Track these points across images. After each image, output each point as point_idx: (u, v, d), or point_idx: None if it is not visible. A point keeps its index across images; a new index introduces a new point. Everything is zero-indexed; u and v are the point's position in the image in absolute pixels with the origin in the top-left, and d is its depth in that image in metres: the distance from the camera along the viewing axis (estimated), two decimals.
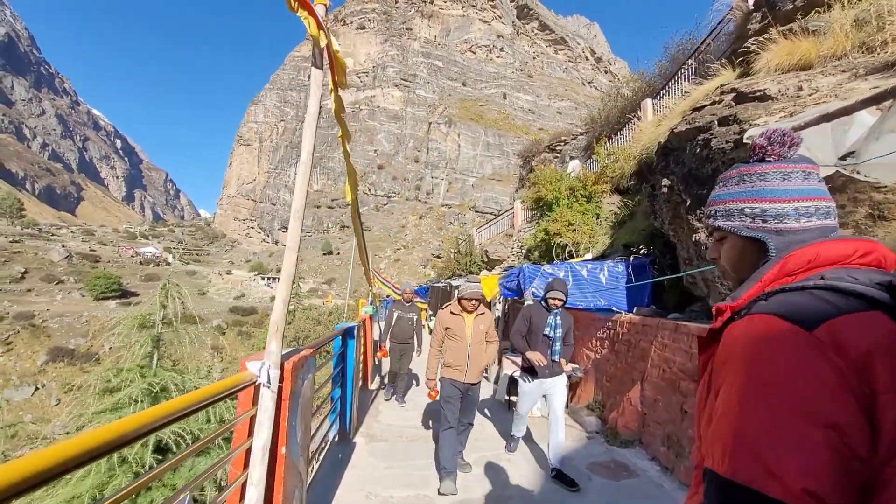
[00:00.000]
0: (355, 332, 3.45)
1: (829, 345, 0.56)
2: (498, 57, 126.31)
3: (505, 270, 8.57)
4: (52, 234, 65.82)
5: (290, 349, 1.76)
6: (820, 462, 0.52)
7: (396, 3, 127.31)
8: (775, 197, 0.79)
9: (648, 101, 7.83)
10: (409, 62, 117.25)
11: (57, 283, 48.24)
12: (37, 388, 34.69)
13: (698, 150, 3.25)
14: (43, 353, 36.82)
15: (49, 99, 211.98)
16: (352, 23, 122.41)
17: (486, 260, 14.67)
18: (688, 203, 3.20)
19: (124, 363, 3.90)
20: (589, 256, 5.53)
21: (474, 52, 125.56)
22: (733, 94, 3.26)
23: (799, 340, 0.58)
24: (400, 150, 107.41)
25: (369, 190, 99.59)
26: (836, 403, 0.54)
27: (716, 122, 3.14)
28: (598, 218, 7.29)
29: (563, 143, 14.30)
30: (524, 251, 9.60)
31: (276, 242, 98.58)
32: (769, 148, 0.82)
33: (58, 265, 51.94)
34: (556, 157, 14.10)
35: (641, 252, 4.51)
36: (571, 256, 6.53)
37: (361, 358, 5.12)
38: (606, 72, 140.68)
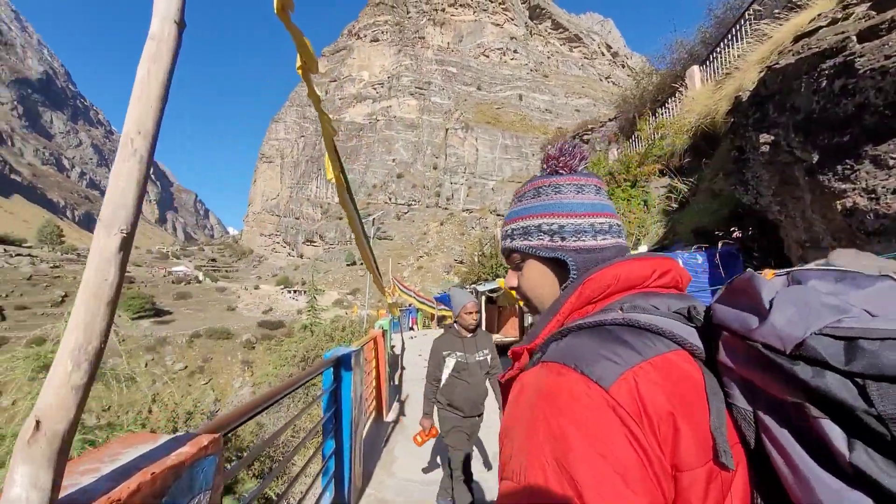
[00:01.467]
0: (352, 360, 2.42)
1: (627, 408, 0.47)
2: (512, 59, 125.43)
3: None
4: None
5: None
6: None
7: (408, 13, 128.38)
8: (572, 211, 0.71)
9: (695, 68, 6.82)
10: (424, 70, 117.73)
11: None
12: None
13: (824, 84, 2.28)
14: None
15: (85, 130, 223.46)
16: (365, 36, 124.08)
17: None
18: (814, 159, 2.25)
19: (5, 428, 2.97)
20: (643, 249, 4.55)
21: (488, 56, 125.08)
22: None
23: (593, 404, 0.48)
24: (418, 158, 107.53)
25: (389, 199, 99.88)
26: (633, 493, 0.44)
27: (854, 37, 2.16)
28: (645, 204, 6.27)
29: (589, 132, 13.26)
30: None
31: (301, 256, 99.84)
32: (561, 159, 0.75)
33: None
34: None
35: (725, 236, 3.50)
36: None
37: (371, 387, 4.30)
38: (623, 66, 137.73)
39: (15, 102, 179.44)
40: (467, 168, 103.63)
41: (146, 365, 41.90)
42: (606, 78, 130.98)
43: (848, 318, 0.42)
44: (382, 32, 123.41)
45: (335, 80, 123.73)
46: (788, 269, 0.52)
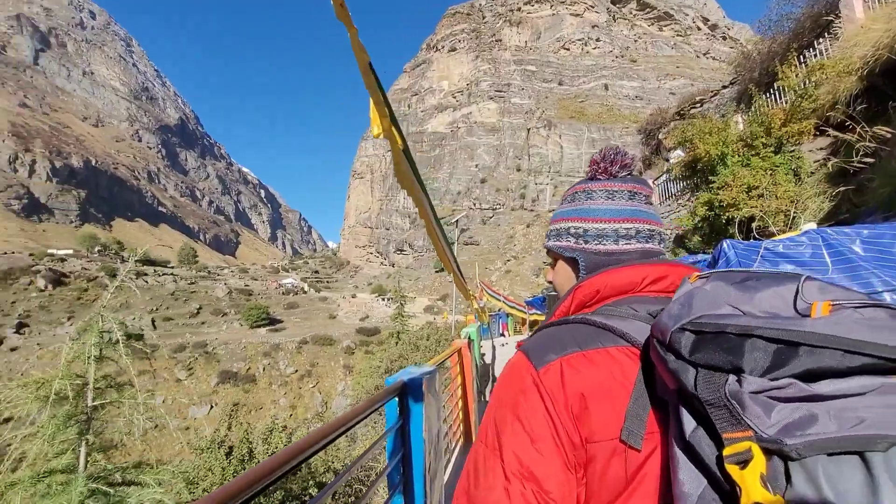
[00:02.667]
0: (423, 385, 1.77)
1: (547, 386, 0.58)
2: (594, 48, 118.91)
3: None
4: (217, 275, 78.38)
5: None
6: None
7: (484, 18, 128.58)
8: (598, 216, 0.77)
9: None
10: (502, 73, 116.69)
11: (222, 316, 56.60)
12: (212, 407, 40.46)
13: None
14: (215, 376, 43.02)
15: (211, 164, 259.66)
16: (443, 47, 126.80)
17: None
18: None
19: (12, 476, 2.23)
20: (809, 226, 3.33)
21: (568, 49, 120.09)
22: None
23: (526, 381, 0.61)
24: (500, 162, 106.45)
25: (474, 204, 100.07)
26: (538, 453, 0.56)
27: None
28: (795, 174, 4.94)
29: (698, 105, 11.40)
30: (671, 238, 7.32)
31: (393, 265, 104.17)
32: (601, 165, 0.81)
33: (222, 300, 61.11)
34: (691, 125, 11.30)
35: None
36: (759, 235, 4.31)
37: (457, 408, 3.69)
38: (725, 38, 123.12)
39: (159, 146, 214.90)
40: (552, 167, 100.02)
41: (264, 369, 46.52)
42: (704, 54, 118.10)
43: (712, 314, 0.46)
44: (459, 41, 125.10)
45: (416, 94, 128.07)
46: (710, 272, 0.56)
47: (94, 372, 2.31)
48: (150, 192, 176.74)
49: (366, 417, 1.31)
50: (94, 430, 2.27)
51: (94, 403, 2.24)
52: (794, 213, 4.35)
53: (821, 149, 5.13)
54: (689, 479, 0.45)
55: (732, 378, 0.43)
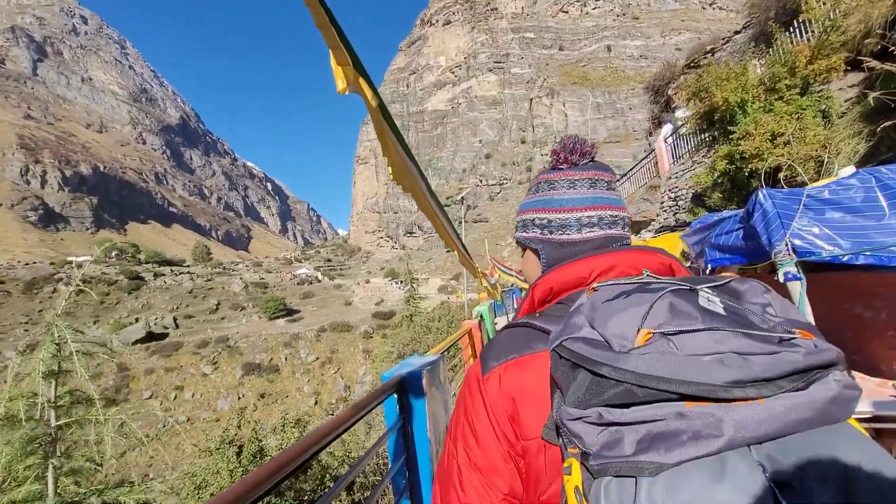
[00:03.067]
0: (423, 380, 1.57)
1: (488, 391, 0.66)
2: (594, 8, 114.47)
3: (686, 225, 5.90)
4: (233, 270, 79.43)
5: None
6: (469, 500, 0.64)
7: None
8: (560, 206, 0.79)
9: None
10: (500, 43, 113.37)
11: (241, 310, 57.62)
12: (239, 398, 41.53)
13: None
14: (239, 369, 44.03)
15: (216, 161, 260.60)
16: (437, 21, 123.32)
17: None
18: None
19: None
20: (846, 171, 2.96)
21: (567, 12, 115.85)
22: None
23: (473, 385, 0.69)
24: (504, 135, 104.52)
25: (480, 181, 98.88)
26: (482, 449, 0.65)
27: None
28: (824, 116, 4.52)
29: (709, 55, 10.72)
30: (689, 198, 6.94)
31: (403, 248, 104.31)
32: (561, 155, 0.82)
33: (239, 294, 62.09)
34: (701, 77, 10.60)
35: None
36: (787, 186, 3.95)
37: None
38: None
39: (163, 147, 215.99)
40: (557, 136, 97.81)
41: (286, 359, 47.42)
42: (711, 4, 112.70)
43: (573, 336, 0.52)
44: (454, 13, 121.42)
45: (414, 73, 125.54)
46: (605, 283, 0.61)
47: (54, 388, 2.11)
48: (160, 193, 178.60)
49: (360, 419, 1.11)
50: (63, 451, 2.09)
51: (59, 423, 2.06)
52: (827, 158, 4.03)
53: (852, 86, 4.67)
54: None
55: (564, 403, 0.50)
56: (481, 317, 4.62)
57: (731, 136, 5.44)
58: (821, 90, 4.84)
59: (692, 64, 11.24)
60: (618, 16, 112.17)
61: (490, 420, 0.65)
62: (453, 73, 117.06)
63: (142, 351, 45.19)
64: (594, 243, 0.76)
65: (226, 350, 46.75)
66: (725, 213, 2.73)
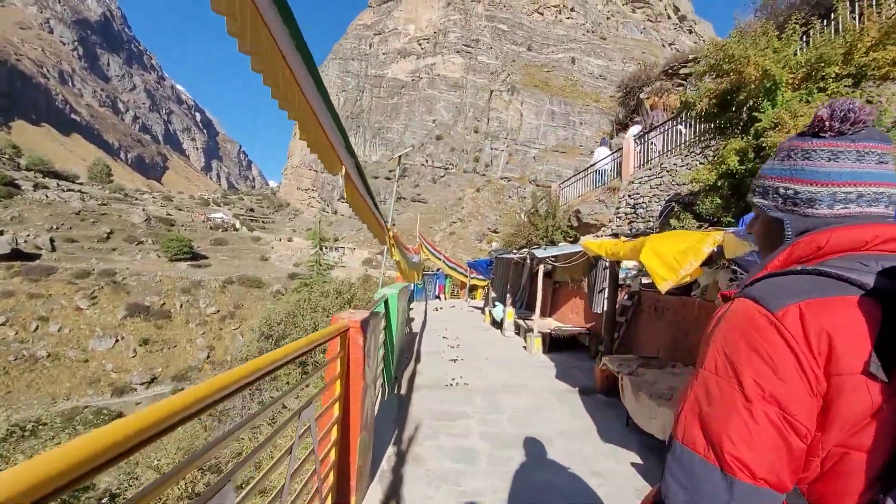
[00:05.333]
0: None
1: (788, 326, 0.62)
2: (568, 18, 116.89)
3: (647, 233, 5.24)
4: (136, 199, 70.87)
5: None
6: (754, 434, 0.61)
7: None
8: (813, 179, 0.74)
9: None
10: (472, 26, 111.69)
11: (137, 244, 51.52)
12: (117, 341, 37.17)
13: None
14: (122, 308, 39.35)
15: (139, 74, 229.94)
16: None
17: (575, 225, 10.94)
18: None
19: None
20: None
21: (542, 14, 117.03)
22: None
23: (760, 321, 0.65)
24: (459, 120, 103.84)
25: (427, 161, 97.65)
26: (782, 381, 0.61)
27: None
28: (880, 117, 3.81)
29: (694, 62, 10.59)
30: (650, 206, 6.56)
31: (336, 212, 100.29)
32: (828, 123, 0.75)
33: (138, 227, 55.48)
34: (681, 87, 10.45)
35: None
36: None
37: (329, 455, 2.24)
38: (691, 32, 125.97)
39: (76, 43, 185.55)
40: (509, 134, 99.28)
41: (181, 306, 43.22)
42: (670, 44, 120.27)
43: None
44: None
45: (380, 34, 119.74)
46: None
47: None
48: (62, 94, 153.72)
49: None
50: None
51: None
52: None
53: None
54: None
55: None
56: (386, 302, 3.84)
57: (751, 128, 4.49)
58: (873, 91, 4.03)
59: (670, 71, 11.14)
60: (587, 31, 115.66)
61: (793, 352, 0.62)
62: (420, 45, 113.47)
63: (1, 269, 38.57)
64: (849, 221, 0.72)
65: (110, 285, 41.54)
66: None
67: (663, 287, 3.26)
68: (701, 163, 6.76)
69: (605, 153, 11.46)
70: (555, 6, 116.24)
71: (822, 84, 4.14)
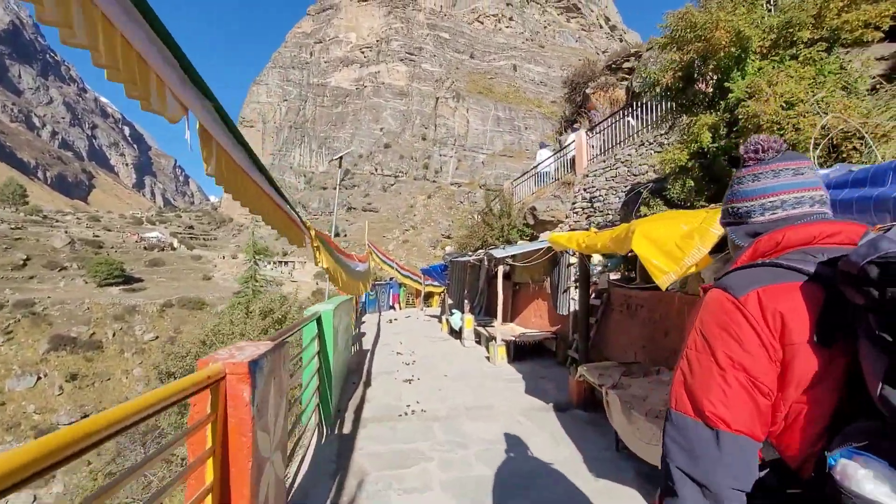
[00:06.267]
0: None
1: (749, 308, 0.78)
2: (507, 27, 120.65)
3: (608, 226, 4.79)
4: (56, 221, 64.80)
5: None
6: (728, 395, 0.77)
7: None
8: (745, 196, 0.98)
9: None
10: (415, 35, 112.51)
11: (60, 270, 47.04)
12: (39, 378, 33.56)
13: None
14: (44, 342, 35.61)
15: (56, 87, 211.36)
16: None
17: (531, 223, 10.71)
18: None
19: None
20: None
21: (482, 23, 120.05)
22: None
23: (727, 306, 0.81)
24: (407, 128, 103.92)
25: (376, 170, 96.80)
26: (747, 353, 0.77)
27: None
28: (844, 90, 3.66)
29: (636, 57, 10.71)
30: (606, 199, 6.38)
31: None
32: (745, 156, 1.01)
33: (60, 252, 50.69)
34: (625, 81, 10.70)
35: None
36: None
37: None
38: (621, 40, 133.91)
39: None
40: (457, 140, 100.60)
41: (114, 335, 39.76)
42: (604, 52, 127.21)
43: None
44: None
45: (321, 42, 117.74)
46: (891, 224, 0.71)
47: None
48: None
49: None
50: None
51: None
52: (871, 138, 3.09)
53: (883, 58, 3.83)
54: (876, 360, 0.63)
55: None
56: (319, 321, 3.33)
57: (720, 101, 4.27)
58: (842, 57, 3.86)
59: (613, 66, 11.38)
60: (526, 40, 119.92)
61: (754, 329, 0.77)
62: (363, 52, 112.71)
63: None
64: (778, 224, 0.92)
65: (28, 317, 37.53)
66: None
67: (664, 282, 2.64)
68: (657, 151, 6.58)
69: (546, 155, 11.64)
70: (494, 16, 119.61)
71: (793, 51, 4.04)
